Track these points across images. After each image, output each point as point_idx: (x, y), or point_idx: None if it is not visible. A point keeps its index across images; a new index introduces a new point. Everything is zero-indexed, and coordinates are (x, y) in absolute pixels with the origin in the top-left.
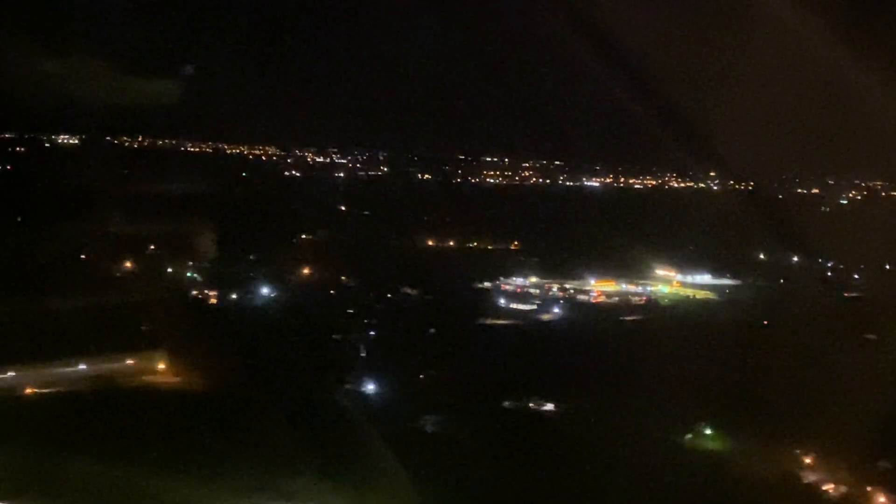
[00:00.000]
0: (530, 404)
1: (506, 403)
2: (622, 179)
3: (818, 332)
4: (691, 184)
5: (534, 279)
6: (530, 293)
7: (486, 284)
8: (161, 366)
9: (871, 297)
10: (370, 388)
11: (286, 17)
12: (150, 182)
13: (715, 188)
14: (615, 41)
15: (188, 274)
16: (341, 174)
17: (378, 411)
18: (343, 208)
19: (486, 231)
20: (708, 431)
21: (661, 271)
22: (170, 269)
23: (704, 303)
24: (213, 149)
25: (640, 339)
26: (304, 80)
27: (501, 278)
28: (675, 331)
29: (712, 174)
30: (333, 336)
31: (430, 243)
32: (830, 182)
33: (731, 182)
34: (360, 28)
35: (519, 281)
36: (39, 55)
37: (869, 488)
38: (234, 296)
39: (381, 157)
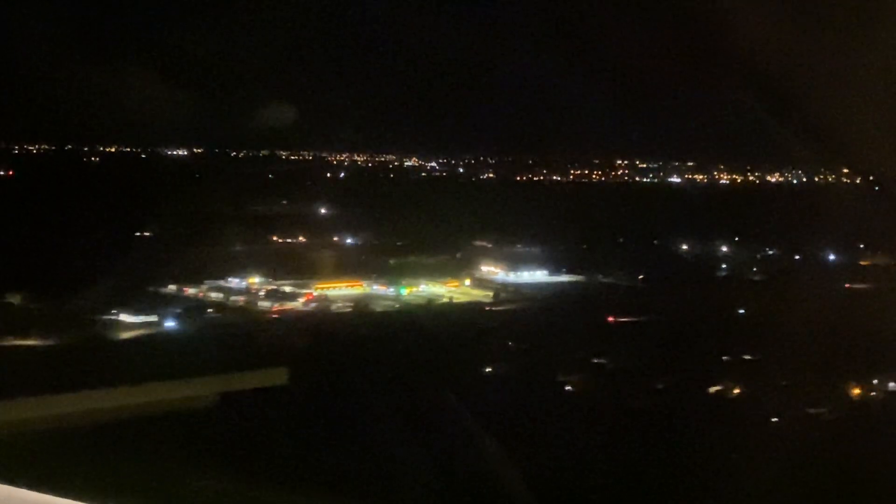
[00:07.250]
0: None
1: None
2: (710, 175)
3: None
4: (789, 178)
5: (255, 279)
6: (198, 297)
7: (172, 287)
8: None
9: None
10: None
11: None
12: None
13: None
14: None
15: None
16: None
17: None
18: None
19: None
20: None
21: (485, 267)
22: None
23: (455, 307)
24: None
25: None
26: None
27: (209, 280)
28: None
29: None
30: None
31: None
32: None
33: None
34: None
35: (234, 282)
36: None
37: None
38: None
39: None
